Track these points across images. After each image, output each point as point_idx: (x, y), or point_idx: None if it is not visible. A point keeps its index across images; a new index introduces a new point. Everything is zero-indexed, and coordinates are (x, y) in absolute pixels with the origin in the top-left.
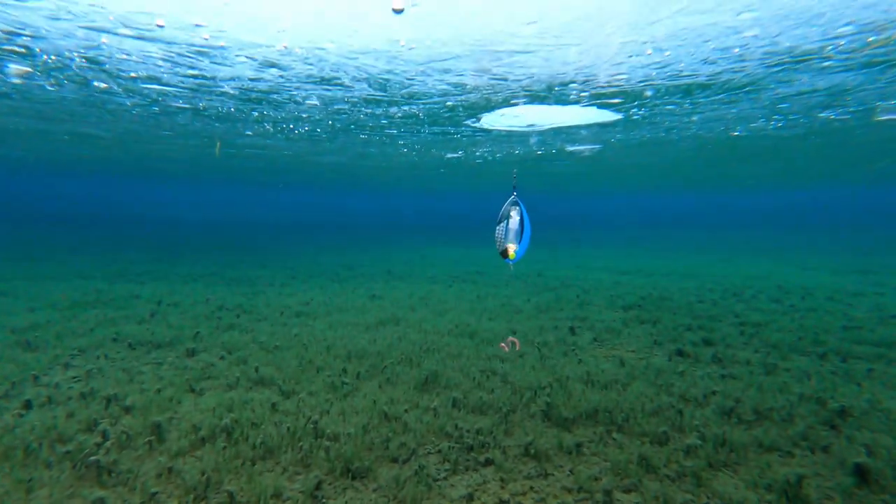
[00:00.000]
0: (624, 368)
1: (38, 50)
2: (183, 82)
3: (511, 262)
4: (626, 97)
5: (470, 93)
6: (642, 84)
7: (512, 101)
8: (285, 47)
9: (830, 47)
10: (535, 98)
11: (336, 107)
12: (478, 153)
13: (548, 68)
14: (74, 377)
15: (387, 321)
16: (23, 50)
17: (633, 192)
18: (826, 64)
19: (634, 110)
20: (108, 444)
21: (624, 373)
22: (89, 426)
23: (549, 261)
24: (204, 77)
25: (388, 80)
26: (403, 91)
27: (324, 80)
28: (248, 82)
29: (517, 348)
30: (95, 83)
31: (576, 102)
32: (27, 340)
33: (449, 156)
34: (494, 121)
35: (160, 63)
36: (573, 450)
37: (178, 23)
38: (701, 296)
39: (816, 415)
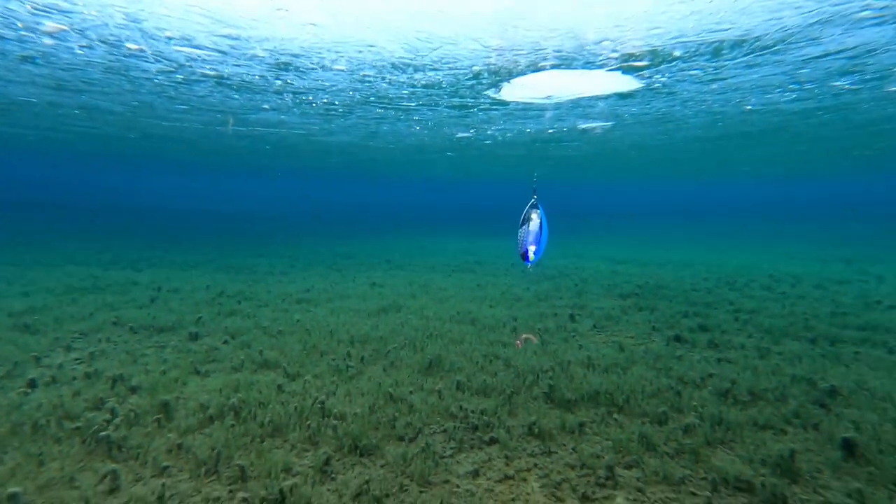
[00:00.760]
0: (623, 353)
1: (79, 3)
2: (216, 43)
3: (530, 265)
4: (654, 58)
5: (500, 55)
6: (674, 41)
7: (539, 65)
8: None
9: None
10: (564, 60)
11: (362, 72)
12: (489, 131)
13: (586, 23)
14: (77, 359)
15: (388, 308)
16: (65, 4)
17: (630, 182)
18: (862, 14)
19: (658, 76)
20: (116, 421)
21: (623, 357)
22: (96, 404)
23: (547, 250)
24: (238, 37)
25: (423, 38)
26: (434, 52)
27: (358, 40)
28: (280, 41)
29: (534, 342)
30: (127, 44)
31: (603, 65)
32: (25, 324)
33: (460, 135)
34: (514, 92)
35: (199, 20)
36: (576, 429)
37: None
38: (696, 284)
39: (807, 394)
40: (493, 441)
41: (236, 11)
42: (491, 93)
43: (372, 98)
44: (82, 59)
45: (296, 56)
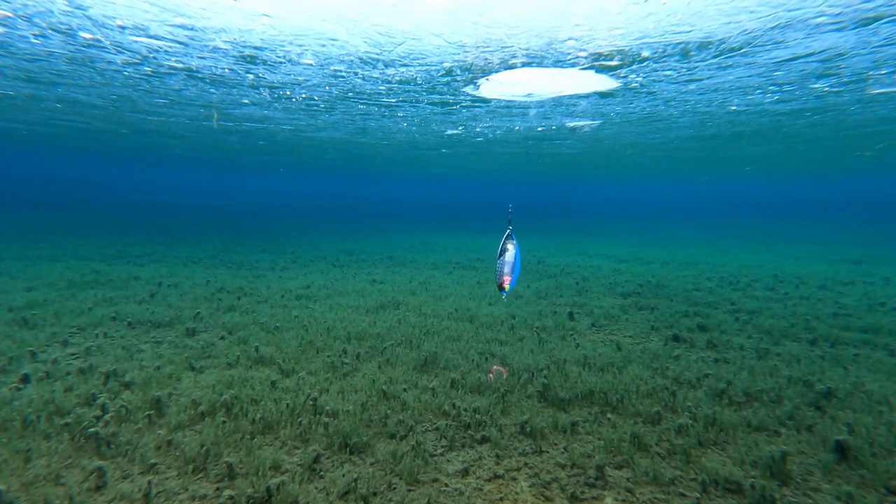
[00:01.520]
0: (620, 352)
1: None
2: (172, 34)
3: (505, 294)
4: (623, 58)
5: (467, 51)
6: (639, 42)
7: (510, 63)
8: None
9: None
10: (534, 58)
11: (332, 67)
12: (478, 128)
13: (546, 21)
14: (73, 354)
15: (387, 305)
16: None
17: (632, 180)
18: (819, 20)
19: (633, 76)
20: (107, 417)
21: (620, 356)
22: (88, 400)
23: (550, 248)
24: (194, 28)
25: (383, 33)
26: (399, 47)
27: (317, 33)
28: (238, 33)
29: (503, 377)
30: (81, 33)
31: (574, 64)
32: (24, 318)
33: (449, 132)
34: (493, 89)
35: (146, 8)
36: (568, 428)
37: None
38: (698, 284)
39: (803, 396)
40: (484, 440)
41: (183, 0)
42: (470, 90)
43: (350, 93)
44: (41, 49)
45: (259, 49)
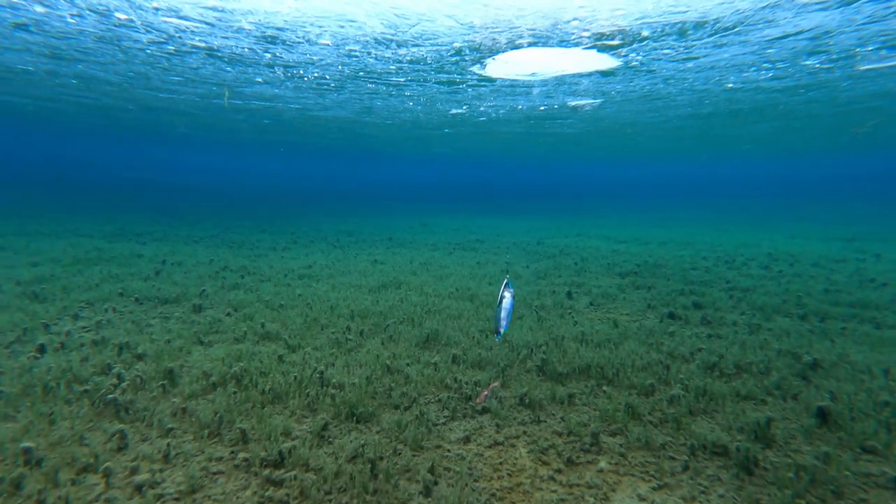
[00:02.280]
0: (617, 329)
1: None
2: (202, 15)
3: (499, 338)
4: (625, 37)
5: (477, 32)
6: (639, 22)
7: (517, 43)
8: None
9: None
10: (540, 38)
11: (347, 47)
12: (482, 108)
13: (551, 2)
14: (84, 327)
15: (389, 284)
16: None
17: (632, 160)
18: (803, 1)
19: (633, 55)
20: (123, 385)
21: (617, 333)
22: (104, 370)
23: (549, 229)
24: (223, 10)
25: (400, 15)
26: (413, 28)
27: (338, 15)
28: (265, 15)
29: (499, 391)
30: (116, 14)
31: (577, 44)
32: (34, 292)
33: (453, 111)
34: (499, 68)
35: None
36: (565, 400)
37: None
38: (695, 263)
39: (791, 368)
40: (484, 410)
41: None
42: (476, 69)
43: (361, 73)
44: (74, 28)
45: (280, 29)
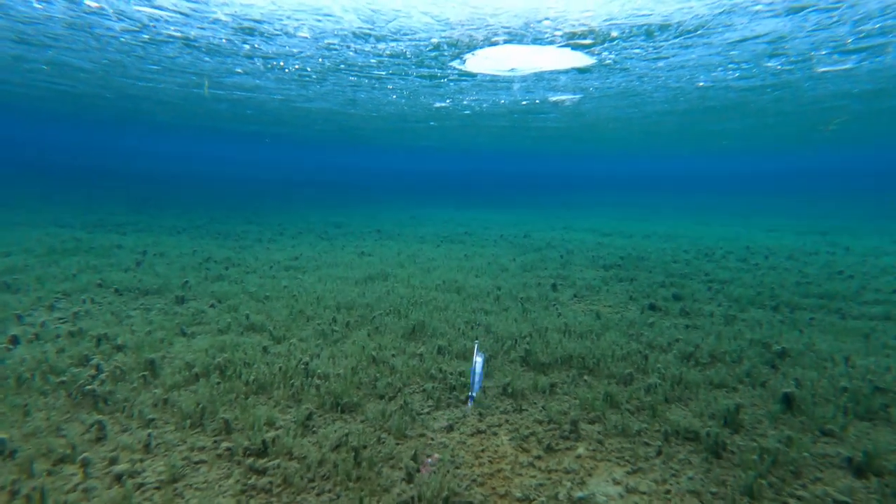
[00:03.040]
0: (599, 321)
1: None
2: (176, 5)
3: (471, 402)
4: (595, 37)
5: (453, 28)
6: (607, 23)
7: (493, 40)
8: None
9: None
10: (515, 36)
11: (326, 40)
12: (465, 101)
13: (524, 2)
14: (61, 318)
15: (376, 276)
16: None
17: (616, 155)
18: (756, 8)
19: (606, 53)
20: (102, 376)
21: (599, 324)
22: (81, 361)
23: (536, 222)
24: (198, 0)
25: (375, 10)
26: (390, 24)
27: (314, 9)
28: (240, 7)
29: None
30: (87, 1)
31: (551, 42)
32: (6, 282)
33: (437, 105)
34: (479, 64)
35: None
36: (547, 389)
37: None
38: (676, 256)
39: (761, 356)
40: (468, 400)
41: None
42: (456, 64)
43: (342, 65)
44: (41, 13)
45: (258, 22)
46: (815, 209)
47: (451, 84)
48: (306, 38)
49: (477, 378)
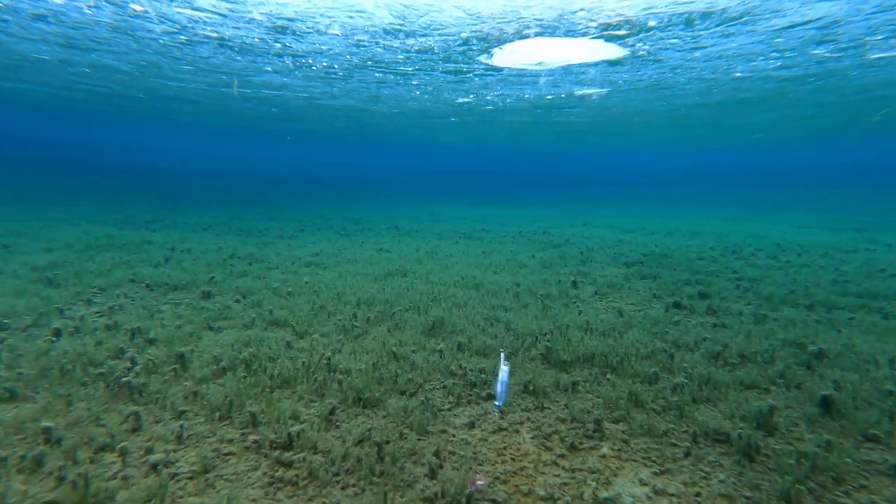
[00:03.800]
0: (622, 318)
1: None
2: (214, 6)
3: (498, 409)
4: (631, 27)
5: (484, 22)
6: (646, 12)
7: (524, 33)
8: None
9: None
10: (547, 28)
11: (356, 37)
12: (489, 97)
13: None
14: (97, 312)
15: (395, 272)
16: None
17: (639, 150)
18: None
19: (640, 44)
20: (136, 369)
21: (622, 322)
22: (117, 354)
23: (555, 218)
24: (237, 0)
25: (408, 5)
26: (421, 19)
27: (347, 5)
28: (275, 6)
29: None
30: (132, 5)
31: (584, 34)
32: (48, 277)
33: (460, 100)
34: (506, 58)
35: None
36: (569, 387)
37: None
38: (701, 253)
39: (796, 357)
40: (489, 397)
41: None
42: (483, 58)
43: (369, 62)
44: (90, 18)
45: (291, 20)
46: (850, 205)
47: (476, 79)
48: (337, 35)
49: (503, 388)
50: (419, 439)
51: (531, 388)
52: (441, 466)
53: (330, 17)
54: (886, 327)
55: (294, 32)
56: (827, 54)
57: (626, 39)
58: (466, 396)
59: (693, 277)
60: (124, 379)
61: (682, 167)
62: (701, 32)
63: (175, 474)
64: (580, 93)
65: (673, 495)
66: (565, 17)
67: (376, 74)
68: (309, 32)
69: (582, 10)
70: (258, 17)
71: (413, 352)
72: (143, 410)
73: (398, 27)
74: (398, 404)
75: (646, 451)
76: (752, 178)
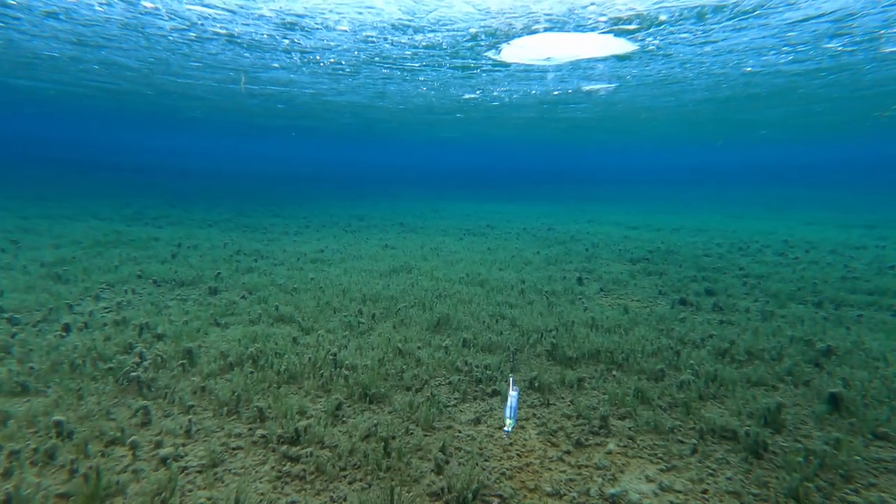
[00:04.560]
0: (627, 315)
1: None
2: (225, 3)
3: (507, 433)
4: (642, 22)
5: (493, 17)
6: (657, 6)
7: (533, 28)
8: None
9: None
10: (556, 23)
11: (364, 33)
12: (495, 93)
13: None
14: (106, 307)
15: (400, 269)
16: None
17: (645, 146)
18: None
19: (650, 39)
20: (145, 364)
21: (627, 319)
22: (126, 349)
23: (560, 215)
24: None
25: (417, 1)
26: (430, 14)
27: (357, 1)
28: (285, 2)
29: None
30: (143, 2)
31: (594, 29)
32: (57, 273)
33: (466, 96)
34: (514, 53)
35: None
36: (575, 384)
37: None
38: (708, 250)
39: (803, 354)
40: (494, 393)
41: None
42: (491, 54)
43: (377, 58)
44: (101, 16)
45: (300, 16)
46: (859, 202)
47: (484, 75)
48: (345, 31)
49: (512, 412)
50: (425, 435)
51: (537, 384)
52: (447, 462)
53: (339, 13)
54: None
55: (303, 28)
56: (840, 48)
57: (636, 34)
58: (472, 392)
59: (699, 274)
60: (133, 374)
61: (689, 164)
62: (713, 26)
63: (184, 468)
64: (588, 88)
65: (680, 492)
66: (575, 11)
67: (383, 70)
68: (318, 28)
69: (592, 4)
70: (268, 14)
71: (418, 348)
72: (153, 405)
73: (407, 22)
74: (404, 400)
75: (652, 448)
76: (759, 175)
